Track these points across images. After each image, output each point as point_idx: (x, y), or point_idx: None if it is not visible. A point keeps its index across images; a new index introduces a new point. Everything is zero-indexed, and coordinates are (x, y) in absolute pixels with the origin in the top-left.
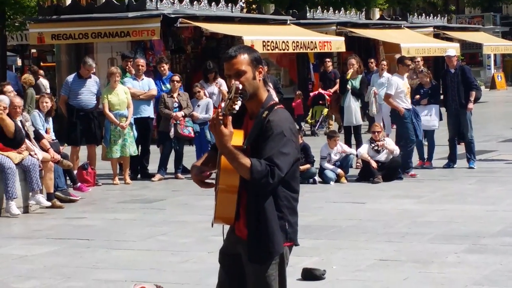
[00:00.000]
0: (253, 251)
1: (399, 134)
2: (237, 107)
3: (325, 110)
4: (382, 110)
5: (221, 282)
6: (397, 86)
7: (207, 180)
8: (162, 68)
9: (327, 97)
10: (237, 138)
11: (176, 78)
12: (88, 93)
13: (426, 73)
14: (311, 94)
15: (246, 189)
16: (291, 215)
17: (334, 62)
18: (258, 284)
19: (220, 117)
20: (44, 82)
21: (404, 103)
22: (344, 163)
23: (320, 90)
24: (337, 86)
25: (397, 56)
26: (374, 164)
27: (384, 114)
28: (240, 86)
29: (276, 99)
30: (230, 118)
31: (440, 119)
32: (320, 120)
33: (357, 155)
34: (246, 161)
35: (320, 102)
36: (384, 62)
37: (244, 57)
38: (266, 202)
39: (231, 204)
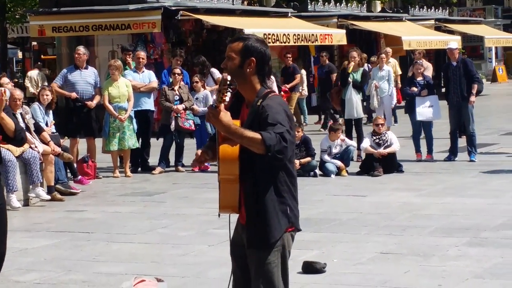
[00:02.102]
0: (251, 236)
1: None
2: (227, 98)
3: None
4: (384, 103)
5: (234, 275)
6: None
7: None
8: (179, 62)
9: (282, 93)
10: None
11: (177, 71)
12: (84, 84)
13: (421, 65)
14: None
15: (245, 176)
16: (291, 200)
17: (335, 55)
18: (260, 271)
19: (215, 108)
20: (35, 75)
21: None
22: (344, 156)
23: None
24: (295, 82)
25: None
26: (381, 151)
27: (385, 107)
28: (229, 78)
29: (276, 90)
30: (222, 105)
31: None
32: None
33: (359, 148)
34: (255, 133)
35: None
36: (383, 55)
37: (237, 45)
38: (265, 187)
39: (234, 193)
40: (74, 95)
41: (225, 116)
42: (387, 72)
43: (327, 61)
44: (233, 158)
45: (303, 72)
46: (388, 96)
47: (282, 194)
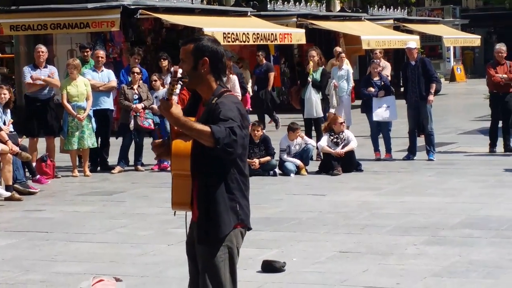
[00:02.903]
0: (201, 232)
1: None
2: (177, 90)
3: None
4: (343, 102)
5: (190, 274)
6: None
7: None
8: (137, 60)
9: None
10: None
11: (137, 69)
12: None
13: (378, 64)
14: None
15: (197, 172)
16: (241, 198)
17: (295, 54)
18: (207, 266)
19: (166, 101)
20: None
21: None
22: (304, 155)
23: None
24: None
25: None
26: (338, 151)
27: (345, 107)
28: (180, 70)
29: (239, 93)
30: (174, 99)
31: None
32: None
33: (317, 147)
34: (204, 126)
35: None
36: (343, 55)
37: (189, 46)
38: (216, 184)
39: (186, 189)
40: (49, 79)
41: (176, 108)
42: (346, 71)
43: (264, 60)
44: (186, 154)
45: (247, 72)
46: (347, 96)
47: (232, 191)
